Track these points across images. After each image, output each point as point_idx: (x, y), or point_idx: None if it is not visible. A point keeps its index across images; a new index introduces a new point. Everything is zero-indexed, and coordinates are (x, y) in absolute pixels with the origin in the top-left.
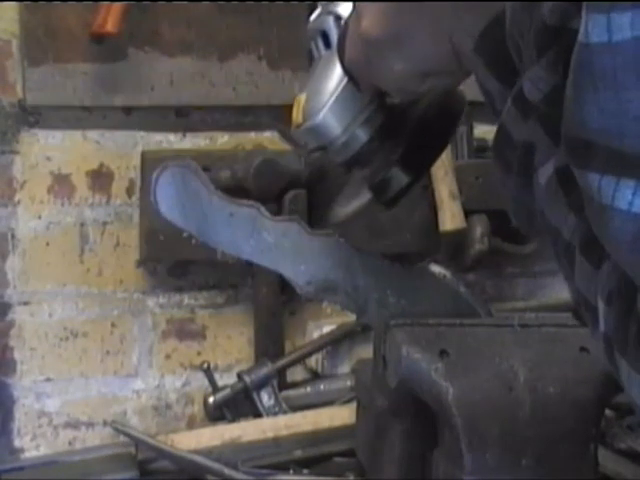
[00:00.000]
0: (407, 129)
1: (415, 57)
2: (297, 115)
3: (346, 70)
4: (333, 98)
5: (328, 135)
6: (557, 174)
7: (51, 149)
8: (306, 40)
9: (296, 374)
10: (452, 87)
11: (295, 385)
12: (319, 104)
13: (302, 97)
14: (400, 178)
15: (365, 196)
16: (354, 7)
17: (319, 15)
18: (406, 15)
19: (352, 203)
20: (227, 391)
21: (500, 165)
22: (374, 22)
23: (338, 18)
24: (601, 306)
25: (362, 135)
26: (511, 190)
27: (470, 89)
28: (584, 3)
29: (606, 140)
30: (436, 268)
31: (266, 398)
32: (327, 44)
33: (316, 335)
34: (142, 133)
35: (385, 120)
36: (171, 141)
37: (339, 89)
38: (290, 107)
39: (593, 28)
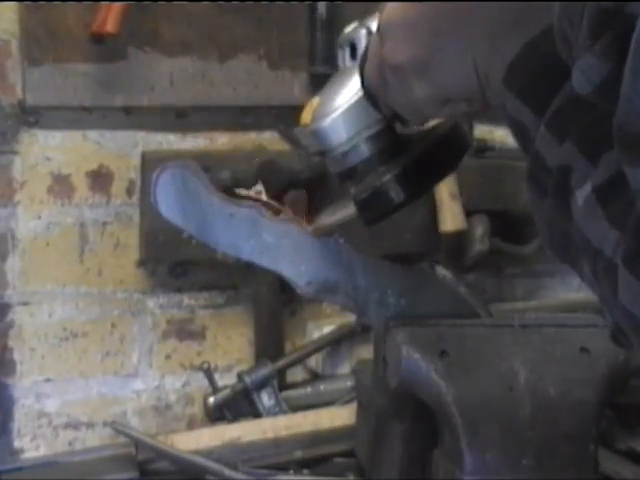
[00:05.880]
0: (407, 159)
1: (440, 84)
2: (307, 115)
3: (364, 86)
4: (345, 106)
5: (331, 141)
6: (595, 192)
7: (51, 149)
8: (336, 49)
9: (296, 374)
10: (469, 116)
11: (295, 385)
12: (330, 109)
13: (316, 100)
14: (386, 201)
15: (350, 210)
16: (378, 26)
17: (354, 27)
18: (437, 42)
19: (337, 214)
20: (227, 391)
21: (534, 190)
22: (398, 47)
23: (370, 33)
24: None
25: (363, 150)
26: (546, 215)
27: None
28: None
29: None
30: (436, 268)
31: (266, 398)
32: (353, 56)
33: (316, 335)
34: (142, 133)
35: (388, 144)
36: (171, 141)
37: (353, 100)
38: (300, 109)
39: None
